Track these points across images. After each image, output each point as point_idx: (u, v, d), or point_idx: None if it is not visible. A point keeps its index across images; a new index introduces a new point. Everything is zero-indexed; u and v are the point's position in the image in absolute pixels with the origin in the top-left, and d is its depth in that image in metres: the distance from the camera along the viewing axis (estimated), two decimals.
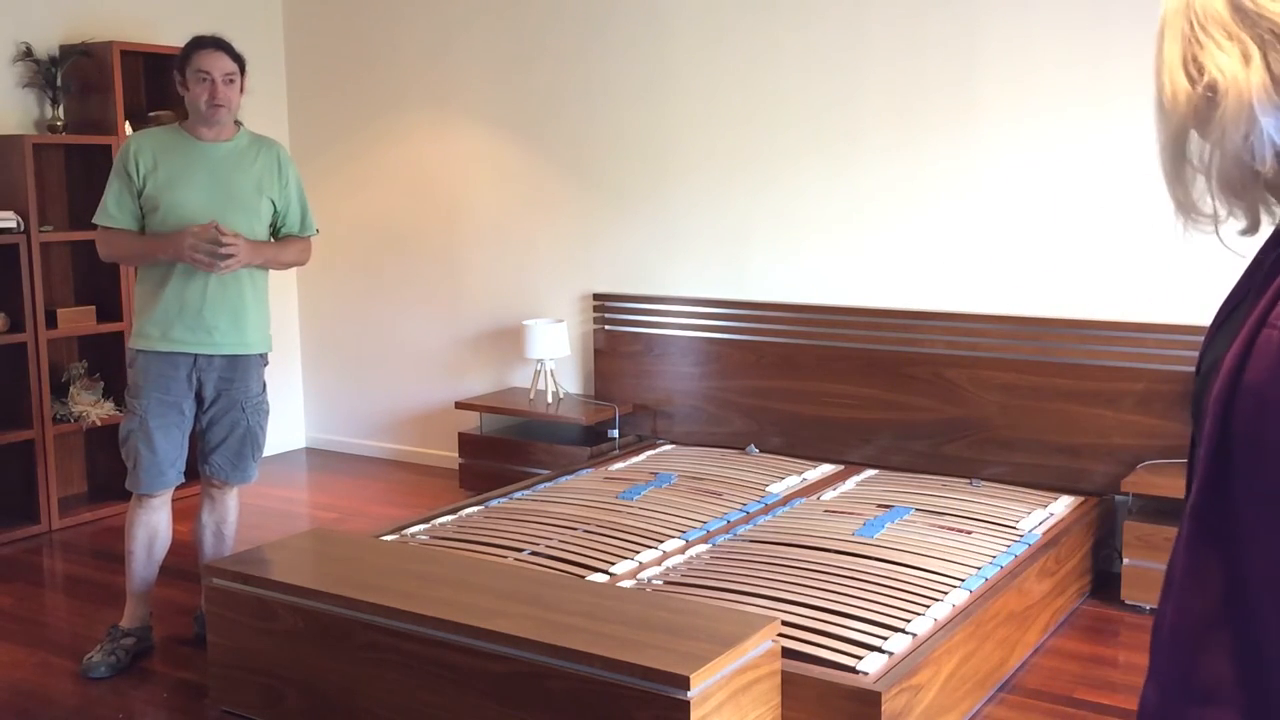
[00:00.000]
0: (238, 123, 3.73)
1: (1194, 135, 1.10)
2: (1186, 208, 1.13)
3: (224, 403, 3.71)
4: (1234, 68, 1.05)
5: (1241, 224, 1.12)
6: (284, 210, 3.77)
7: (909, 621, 3.19)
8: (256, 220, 3.70)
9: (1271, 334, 1.01)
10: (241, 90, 3.68)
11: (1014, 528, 3.99)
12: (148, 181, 3.59)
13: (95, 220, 3.65)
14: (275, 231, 3.79)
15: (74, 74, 5.28)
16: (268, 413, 3.84)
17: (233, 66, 3.63)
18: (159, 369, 3.61)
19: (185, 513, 4.66)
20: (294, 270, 6.37)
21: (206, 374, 3.66)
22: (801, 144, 4.95)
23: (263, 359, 3.80)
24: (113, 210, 3.61)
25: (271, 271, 4.03)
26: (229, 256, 3.51)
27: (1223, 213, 1.12)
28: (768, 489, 4.50)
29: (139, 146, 3.62)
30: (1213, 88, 1.06)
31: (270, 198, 3.73)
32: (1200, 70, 1.07)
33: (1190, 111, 1.08)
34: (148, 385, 3.61)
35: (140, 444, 3.61)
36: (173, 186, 3.59)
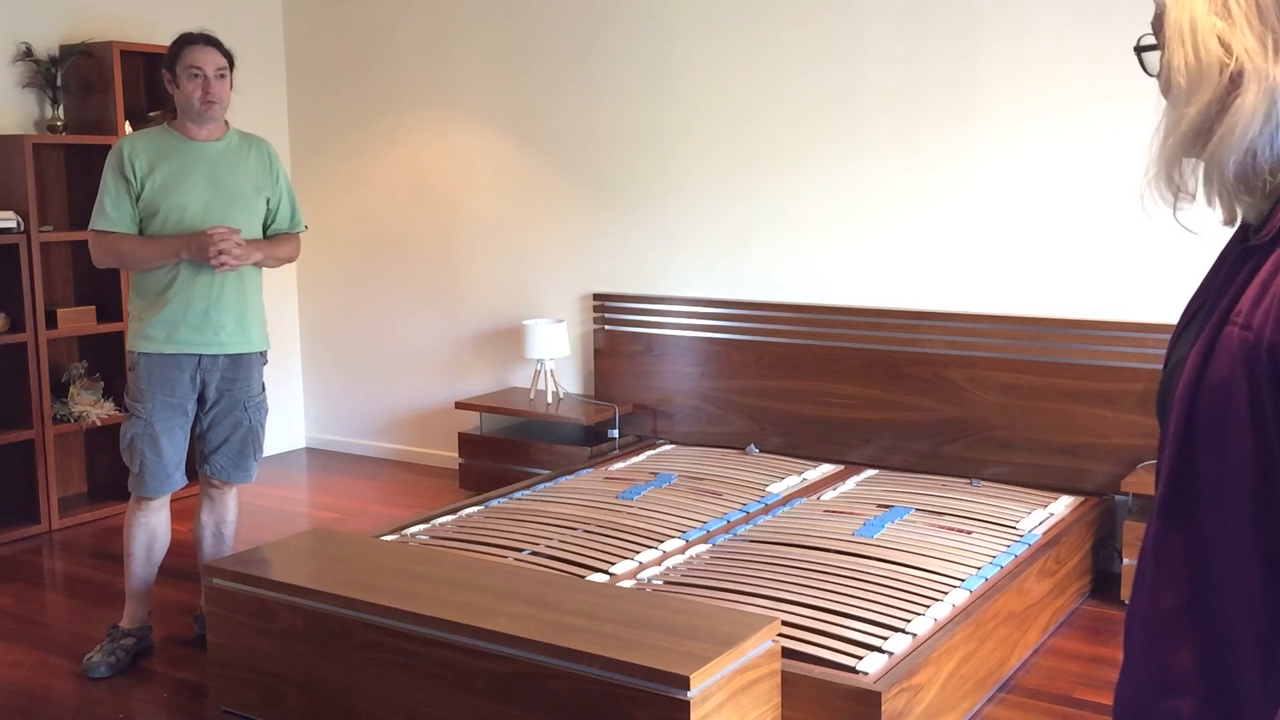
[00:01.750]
0: (225, 121, 3.72)
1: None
2: (1174, 184, 1.11)
3: (226, 403, 3.70)
4: (1259, 55, 1.01)
5: (1220, 215, 1.11)
6: (275, 208, 3.77)
7: (909, 621, 3.19)
8: (254, 218, 3.70)
9: (1232, 330, 1.02)
10: (230, 86, 3.67)
11: (1014, 528, 3.99)
12: (145, 184, 3.57)
13: (93, 226, 3.60)
14: (265, 228, 3.79)
15: (74, 74, 5.28)
16: (268, 412, 3.84)
17: (223, 61, 3.62)
18: (164, 371, 3.61)
19: (185, 513, 4.66)
20: (294, 270, 6.38)
21: (210, 374, 3.66)
22: (801, 144, 4.95)
23: (262, 357, 3.80)
24: (111, 214, 3.57)
25: (269, 270, 4.03)
26: (236, 252, 3.52)
27: (1203, 198, 1.10)
28: (768, 489, 4.50)
29: (132, 149, 3.60)
30: (1240, 73, 1.02)
31: (266, 195, 3.73)
32: (1228, 49, 1.02)
33: (1220, 83, 1.03)
34: (152, 388, 3.61)
35: (145, 448, 3.60)
36: (172, 189, 3.57)
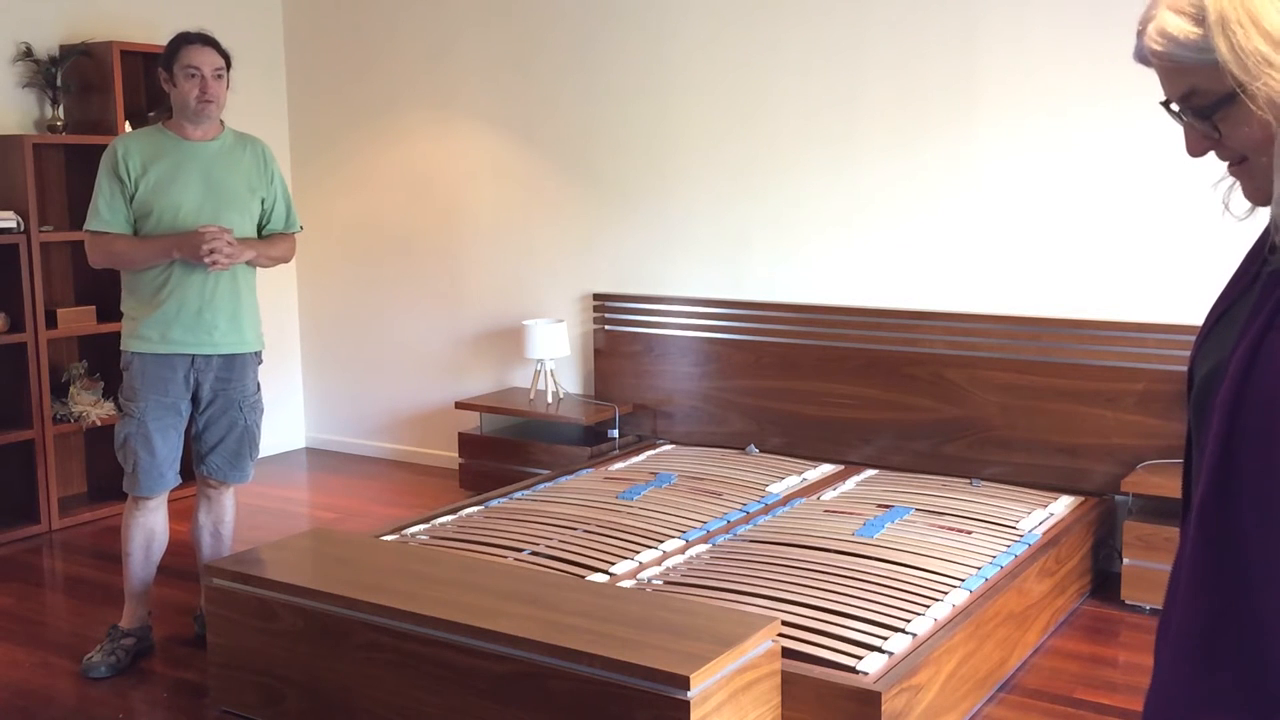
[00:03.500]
0: (220, 121, 3.72)
1: None
2: None
3: (221, 403, 3.70)
4: None
5: None
6: (270, 208, 3.76)
7: (909, 621, 3.19)
8: (248, 218, 3.70)
9: (1278, 337, 1.00)
10: (227, 86, 3.67)
11: (1014, 528, 3.99)
12: (139, 185, 3.56)
13: (88, 227, 3.60)
14: (260, 229, 3.78)
15: (74, 74, 5.28)
16: (263, 412, 3.84)
17: (221, 61, 3.61)
18: (157, 371, 3.60)
19: (183, 513, 4.65)
20: (294, 270, 6.38)
21: (204, 374, 3.66)
22: (801, 144, 4.95)
23: (257, 357, 3.79)
24: (105, 215, 3.57)
25: (268, 271, 4.03)
26: (227, 250, 3.52)
27: None
28: (768, 489, 4.50)
29: (126, 149, 3.60)
30: None
31: (260, 196, 3.72)
32: None
33: None
34: (145, 388, 3.60)
35: (139, 447, 3.60)
36: (165, 189, 3.57)
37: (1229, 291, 1.15)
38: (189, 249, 3.50)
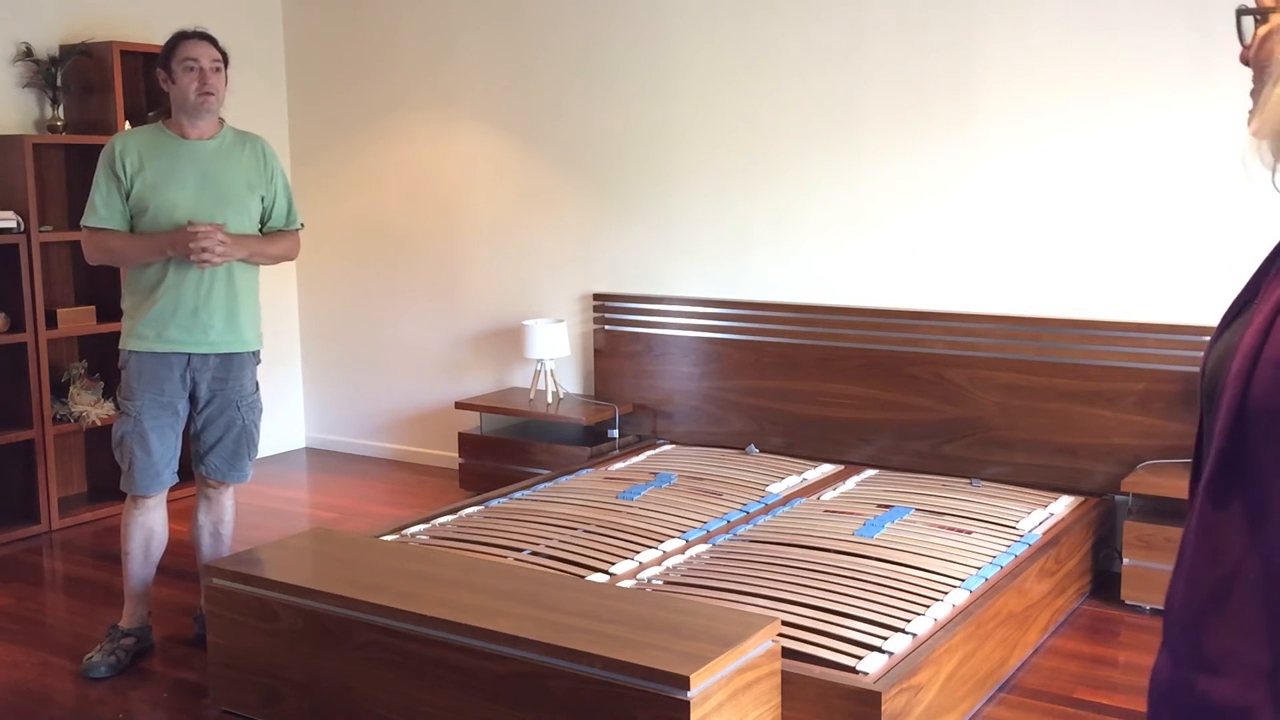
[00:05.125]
0: (220, 119, 3.72)
1: None
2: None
3: (219, 402, 3.70)
4: None
5: None
6: (270, 205, 3.76)
7: (909, 621, 3.19)
8: (247, 217, 3.69)
9: None
10: (226, 82, 3.66)
11: (1014, 528, 3.99)
12: (135, 182, 3.56)
13: (84, 222, 3.60)
14: (262, 226, 3.77)
15: (74, 74, 5.28)
16: (262, 411, 3.83)
17: (218, 54, 3.61)
18: (153, 370, 3.60)
19: (183, 512, 4.65)
20: (294, 270, 6.38)
21: (201, 374, 3.65)
22: (802, 144, 4.95)
23: (255, 357, 3.79)
24: (102, 211, 3.57)
25: (268, 270, 4.03)
26: (219, 249, 3.49)
27: None
28: (768, 489, 4.50)
29: (124, 146, 3.60)
30: None
31: (260, 194, 3.72)
32: None
33: None
34: (141, 386, 3.60)
35: (135, 446, 3.60)
36: (162, 187, 3.56)
37: (1250, 285, 1.15)
38: (180, 246, 3.49)
